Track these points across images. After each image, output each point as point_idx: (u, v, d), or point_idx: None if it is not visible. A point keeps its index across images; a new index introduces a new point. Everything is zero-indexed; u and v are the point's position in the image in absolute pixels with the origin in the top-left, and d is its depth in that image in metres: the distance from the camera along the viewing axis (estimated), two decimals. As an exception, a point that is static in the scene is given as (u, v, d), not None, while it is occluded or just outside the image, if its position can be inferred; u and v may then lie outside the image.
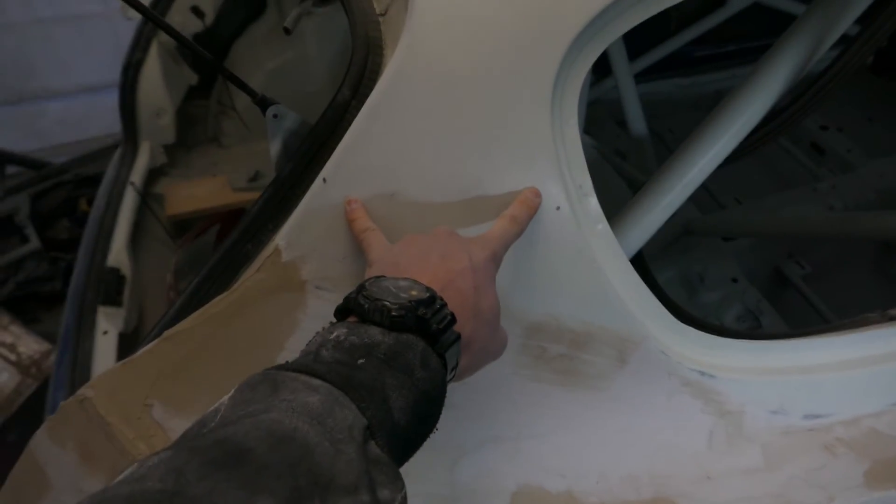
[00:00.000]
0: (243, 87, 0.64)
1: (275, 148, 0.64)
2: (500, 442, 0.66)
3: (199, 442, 0.34)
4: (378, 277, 0.47)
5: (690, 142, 0.82)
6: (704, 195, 1.50)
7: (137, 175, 1.57)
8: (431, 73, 0.57)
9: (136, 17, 1.47)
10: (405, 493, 0.38)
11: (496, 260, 0.54)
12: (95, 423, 0.57)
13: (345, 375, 0.40)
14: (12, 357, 1.83)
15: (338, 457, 0.35)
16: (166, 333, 0.59)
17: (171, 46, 1.58)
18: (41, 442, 0.61)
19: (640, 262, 0.99)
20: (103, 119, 2.52)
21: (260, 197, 0.62)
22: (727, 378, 0.67)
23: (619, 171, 1.31)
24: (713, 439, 0.68)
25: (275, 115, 0.63)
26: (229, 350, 0.59)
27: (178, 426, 0.58)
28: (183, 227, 1.62)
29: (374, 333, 0.43)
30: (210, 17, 1.60)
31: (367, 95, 0.59)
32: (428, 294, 0.45)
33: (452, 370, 0.47)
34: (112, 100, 1.62)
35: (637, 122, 1.39)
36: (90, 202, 1.80)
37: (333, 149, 0.59)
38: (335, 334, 0.43)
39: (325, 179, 0.58)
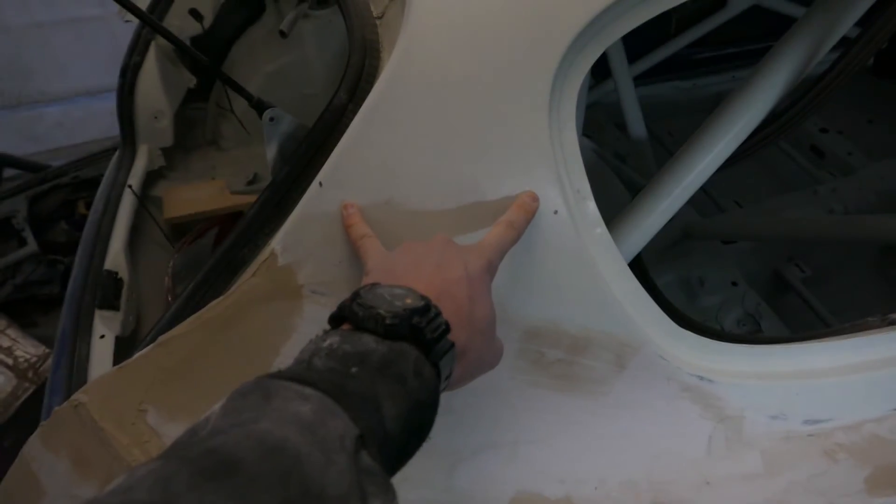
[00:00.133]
0: (240, 90, 0.64)
1: (271, 151, 0.63)
2: (498, 447, 0.65)
3: (189, 452, 0.33)
4: (373, 285, 0.47)
5: (690, 145, 0.81)
6: (704, 198, 1.49)
7: (135, 178, 1.56)
8: (428, 77, 0.57)
9: (134, 20, 1.47)
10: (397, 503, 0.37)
11: (492, 268, 0.54)
12: (89, 428, 0.57)
13: (337, 384, 0.39)
14: (9, 361, 1.83)
15: (329, 467, 0.34)
16: (161, 338, 0.58)
17: (170, 49, 1.57)
18: (35, 448, 0.60)
19: (639, 266, 0.98)
20: (101, 122, 2.53)
21: (256, 201, 0.62)
22: (726, 383, 0.67)
23: (619, 174, 1.31)
24: (712, 445, 0.68)
25: (271, 119, 0.62)
26: (224, 355, 0.59)
27: (172, 432, 0.58)
28: (181, 230, 1.61)
29: (368, 342, 0.43)
30: (209, 20, 1.60)
31: (363, 99, 0.59)
32: (423, 302, 0.45)
33: (446, 379, 0.47)
34: (110, 103, 1.61)
35: (636, 124, 1.39)
36: (88, 205, 1.80)
37: (330, 152, 0.59)
38: (328, 342, 0.42)
39: (321, 183, 0.58)
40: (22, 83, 2.78)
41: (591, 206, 0.62)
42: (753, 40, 1.80)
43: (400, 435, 0.41)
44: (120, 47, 1.58)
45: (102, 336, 1.25)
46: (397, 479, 0.42)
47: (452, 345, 0.46)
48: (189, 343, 0.58)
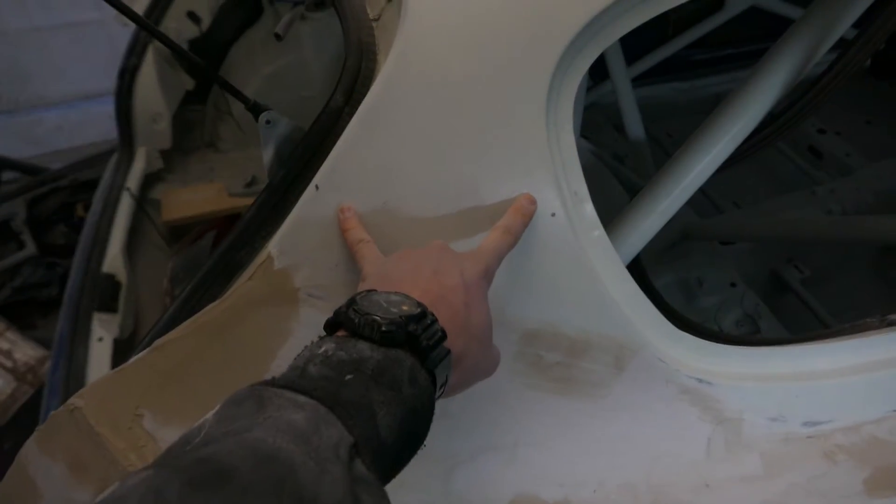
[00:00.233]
0: (236, 93, 0.64)
1: (267, 154, 0.63)
2: (496, 450, 0.65)
3: (181, 461, 0.33)
4: (369, 291, 0.47)
5: (688, 146, 0.81)
6: (702, 199, 1.49)
7: (133, 180, 1.56)
8: (425, 79, 0.57)
9: (132, 23, 1.47)
10: None
11: (489, 275, 0.53)
12: (85, 433, 0.57)
13: (331, 392, 0.39)
14: (8, 363, 1.82)
15: (322, 476, 0.34)
16: (157, 342, 0.58)
17: (168, 52, 1.57)
18: (31, 452, 0.60)
19: (638, 268, 0.98)
20: (100, 126, 2.52)
21: (253, 203, 0.62)
22: (725, 385, 0.67)
23: (617, 176, 1.31)
24: (711, 447, 0.67)
25: (267, 121, 0.62)
26: (221, 359, 0.59)
27: (169, 436, 0.58)
28: (179, 232, 1.61)
29: (363, 349, 0.42)
30: (206, 23, 1.60)
31: (360, 101, 0.59)
32: (419, 309, 0.45)
33: (441, 387, 0.46)
34: (108, 107, 1.61)
35: (635, 126, 1.39)
36: (87, 207, 1.80)
37: (326, 155, 0.58)
38: (323, 349, 0.42)
39: (317, 186, 0.57)
40: (20, 87, 2.78)
41: (589, 208, 0.62)
42: (751, 41, 1.80)
43: (394, 443, 0.41)
44: (118, 51, 1.58)
45: (100, 339, 1.26)
46: (393, 484, 0.42)
47: (448, 352, 0.46)
48: (185, 347, 0.58)
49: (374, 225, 0.57)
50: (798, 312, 1.23)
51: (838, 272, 1.34)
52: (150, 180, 1.63)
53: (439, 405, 0.50)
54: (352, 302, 0.45)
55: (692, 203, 1.33)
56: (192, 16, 1.55)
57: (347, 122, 0.58)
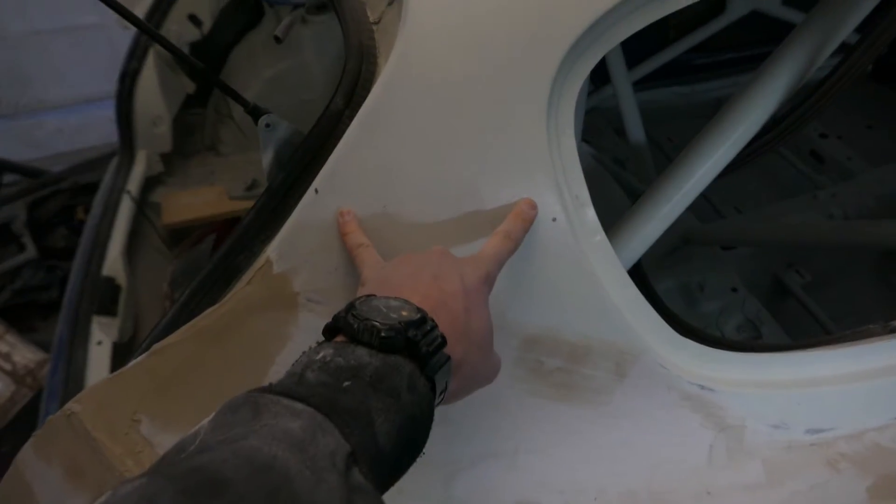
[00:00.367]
0: (235, 96, 0.63)
1: (267, 158, 0.63)
2: (496, 457, 0.65)
3: (175, 469, 0.33)
4: (369, 296, 0.46)
5: (689, 151, 0.81)
6: (704, 204, 1.49)
7: (134, 184, 1.56)
8: (425, 82, 0.57)
9: (133, 27, 1.47)
10: None
11: (489, 281, 0.53)
12: (82, 438, 0.56)
13: (329, 399, 0.38)
14: (7, 366, 1.82)
15: (318, 486, 0.34)
16: (155, 347, 0.58)
17: (169, 55, 1.57)
18: (27, 457, 0.59)
19: (639, 273, 0.98)
20: (100, 129, 2.52)
21: (252, 207, 0.61)
22: (727, 392, 0.66)
23: (618, 180, 1.30)
24: (713, 454, 0.67)
25: (267, 125, 0.62)
26: (219, 364, 0.58)
27: (166, 442, 0.57)
28: (179, 236, 1.61)
29: (362, 355, 0.42)
30: (207, 26, 1.60)
31: (360, 104, 0.58)
32: (419, 315, 0.44)
33: (441, 394, 0.46)
34: (109, 110, 1.62)
35: (635, 130, 1.38)
36: (87, 210, 1.80)
37: (326, 159, 0.58)
38: (321, 355, 0.42)
39: (316, 190, 0.57)
40: (21, 91, 2.78)
41: (590, 212, 0.61)
42: (752, 46, 1.80)
43: (392, 451, 0.40)
44: (118, 54, 1.58)
45: (99, 342, 1.25)
46: (392, 492, 0.42)
47: (448, 358, 0.46)
48: (183, 351, 0.58)
49: (374, 229, 0.57)
50: (799, 317, 1.22)
51: (840, 277, 1.33)
52: (150, 183, 1.63)
53: (439, 411, 0.49)
54: (351, 307, 0.45)
55: (693, 208, 1.33)
56: (194, 19, 1.55)
57: (348, 125, 0.58)
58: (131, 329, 1.33)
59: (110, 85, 1.58)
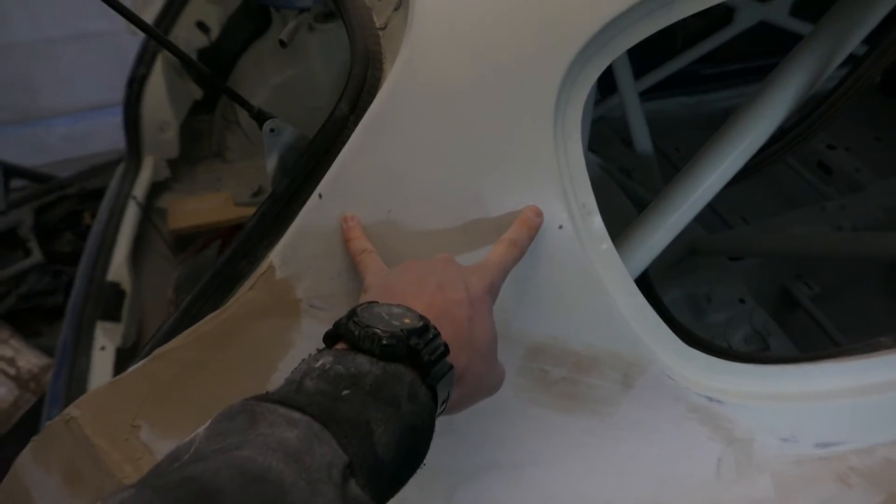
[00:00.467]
0: (240, 100, 0.63)
1: (271, 163, 0.62)
2: (500, 469, 0.64)
3: (165, 480, 0.32)
4: (371, 303, 0.45)
5: (697, 160, 0.80)
6: (711, 215, 1.48)
7: (140, 189, 1.56)
8: (431, 88, 0.56)
9: (141, 33, 1.47)
10: None
11: (494, 289, 0.52)
12: (81, 444, 0.56)
13: (327, 408, 0.38)
14: (11, 371, 1.82)
15: (314, 498, 0.33)
16: (156, 352, 0.57)
17: (176, 62, 1.58)
18: (26, 462, 0.59)
19: (646, 283, 0.97)
20: (109, 136, 2.53)
21: (255, 212, 0.61)
22: (736, 404, 0.65)
23: (625, 189, 1.30)
24: (722, 468, 0.66)
25: (271, 130, 0.61)
26: (220, 370, 0.58)
27: (165, 448, 0.56)
28: (185, 241, 1.61)
29: (362, 363, 0.41)
30: (215, 33, 1.60)
31: (365, 110, 0.58)
32: (421, 323, 0.44)
33: (443, 403, 0.45)
34: (117, 118, 1.62)
35: (643, 140, 1.38)
36: (94, 216, 1.80)
37: (331, 164, 0.58)
38: (321, 362, 0.41)
39: (320, 195, 0.57)
40: (30, 98, 2.80)
41: (597, 220, 0.60)
42: (760, 56, 1.80)
43: (392, 462, 0.39)
44: (127, 62, 1.59)
45: (103, 347, 1.25)
46: (393, 503, 0.41)
47: (451, 368, 0.45)
48: (185, 357, 0.57)
49: (378, 235, 0.56)
50: (808, 329, 1.21)
51: (848, 289, 1.32)
52: (156, 189, 1.64)
53: (442, 421, 0.49)
54: (352, 314, 0.44)
55: (700, 218, 1.32)
56: (202, 26, 1.56)
57: (353, 130, 0.58)
58: (135, 335, 1.33)
59: (118, 92, 1.59)
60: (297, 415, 0.37)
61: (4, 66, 2.71)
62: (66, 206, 2.24)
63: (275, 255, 0.57)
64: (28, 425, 1.73)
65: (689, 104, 1.83)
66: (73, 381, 1.16)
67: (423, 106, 0.56)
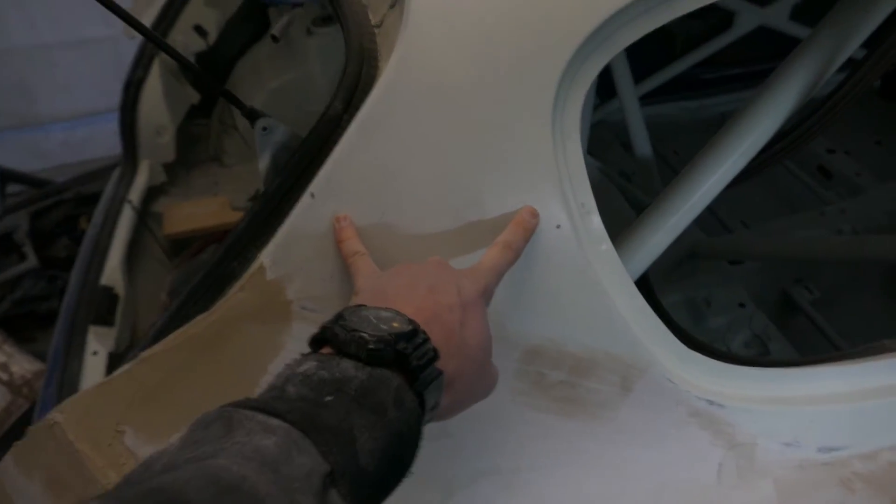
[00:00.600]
0: (233, 99, 0.62)
1: (264, 162, 0.61)
2: (496, 474, 0.62)
3: (132, 491, 0.30)
4: (359, 306, 0.44)
5: (696, 162, 0.80)
6: (711, 218, 1.47)
7: (136, 193, 1.55)
8: (426, 86, 0.55)
9: (139, 37, 1.47)
10: None
11: (487, 293, 0.51)
12: (64, 449, 0.54)
13: (308, 415, 0.36)
14: (4, 376, 1.80)
15: None
16: (143, 355, 0.56)
17: (174, 65, 1.57)
18: (8, 468, 0.57)
19: (646, 286, 0.96)
20: (106, 142, 2.53)
21: (247, 212, 0.60)
22: (737, 408, 0.64)
23: (624, 193, 1.29)
24: (723, 473, 0.64)
25: (264, 128, 0.60)
26: (208, 373, 0.56)
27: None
28: (181, 246, 1.60)
29: (347, 368, 0.40)
30: (213, 37, 1.60)
31: (360, 108, 0.57)
32: (410, 327, 0.42)
33: (432, 410, 0.44)
34: (115, 123, 1.61)
35: (642, 144, 1.38)
36: (90, 221, 1.79)
37: (324, 163, 0.56)
38: (304, 367, 0.40)
39: (313, 195, 0.55)
40: (27, 103, 2.80)
41: (596, 220, 0.59)
42: (760, 61, 1.79)
43: (376, 470, 0.38)
44: (125, 68, 1.58)
45: (95, 352, 1.23)
46: (387, 510, 0.39)
47: (440, 373, 0.43)
48: (172, 360, 0.56)
49: (372, 237, 0.55)
50: (808, 334, 1.20)
51: (848, 293, 1.31)
52: (152, 193, 1.63)
53: (436, 425, 0.47)
54: (339, 317, 0.43)
55: (700, 221, 1.31)
56: (199, 30, 1.55)
57: (347, 129, 0.57)
58: (128, 339, 1.32)
59: (116, 98, 1.58)
60: (275, 422, 0.35)
61: (1, 71, 2.70)
62: (62, 211, 2.23)
63: (265, 256, 0.56)
64: (20, 432, 1.71)
65: (688, 108, 1.82)
66: (65, 387, 1.15)
67: (418, 104, 0.55)
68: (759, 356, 1.11)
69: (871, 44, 0.77)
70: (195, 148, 1.81)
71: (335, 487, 0.35)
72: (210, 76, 1.50)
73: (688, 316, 1.18)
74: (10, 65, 2.71)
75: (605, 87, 1.53)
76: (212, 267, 0.60)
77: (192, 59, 1.55)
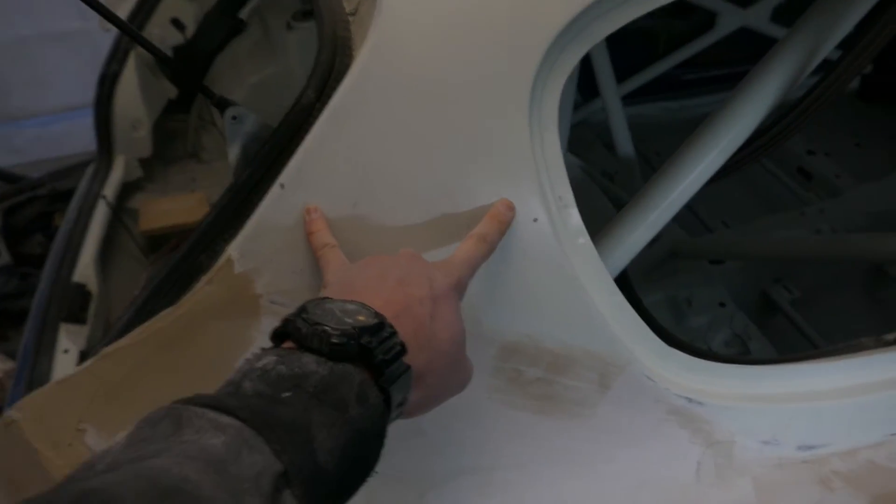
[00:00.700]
0: (202, 88, 0.60)
1: (233, 152, 0.60)
2: (472, 473, 0.61)
3: (61, 494, 0.28)
4: (323, 299, 0.42)
5: (676, 158, 0.79)
6: (691, 218, 1.48)
7: (111, 189, 1.52)
8: (400, 74, 0.54)
9: (115, 29, 1.43)
10: None
11: (460, 286, 0.50)
12: (21, 449, 0.52)
13: (262, 412, 0.34)
14: (-26, 377, 1.75)
15: None
16: (104, 350, 0.54)
17: (150, 59, 1.54)
18: (-36, 469, 0.55)
19: (626, 283, 0.95)
20: (84, 137, 2.48)
21: (216, 204, 0.58)
22: (716, 405, 0.63)
23: (606, 193, 1.29)
24: (701, 471, 0.64)
25: (233, 117, 0.59)
26: (174, 370, 0.54)
27: (114, 453, 0.53)
28: (158, 243, 1.57)
29: (308, 363, 0.38)
30: (191, 31, 1.57)
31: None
32: (376, 320, 0.41)
33: (399, 406, 0.42)
34: (91, 119, 1.58)
35: (624, 143, 1.38)
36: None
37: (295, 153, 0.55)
38: (263, 362, 0.38)
39: (282, 185, 0.54)
40: (2, 98, 2.74)
41: (574, 214, 0.58)
42: (741, 62, 1.80)
43: (336, 469, 0.36)
44: (102, 62, 1.55)
45: (66, 350, 1.20)
46: (359, 510, 0.38)
47: (408, 368, 0.42)
48: (136, 355, 0.54)
49: (343, 229, 0.54)
50: (787, 333, 1.21)
51: (828, 293, 1.32)
52: (128, 189, 1.59)
53: (409, 423, 0.46)
54: (302, 310, 0.41)
55: (681, 221, 1.31)
56: (177, 23, 1.53)
57: (319, 119, 0.55)
58: (101, 337, 1.28)
59: (94, 93, 1.55)
60: (226, 419, 0.33)
61: (-25, 65, 2.65)
62: (36, 207, 2.18)
63: (233, 248, 0.54)
64: (-8, 433, 1.67)
65: (670, 109, 1.83)
66: (34, 386, 1.11)
67: (391, 93, 0.54)
68: (737, 355, 1.11)
69: (845, 45, 0.77)
70: (173, 144, 1.78)
71: (290, 488, 0.33)
72: (184, 68, 1.47)
73: (669, 315, 1.17)
74: (-16, 58, 2.66)
75: (587, 86, 1.53)
76: (179, 260, 0.58)
77: (169, 53, 1.53)
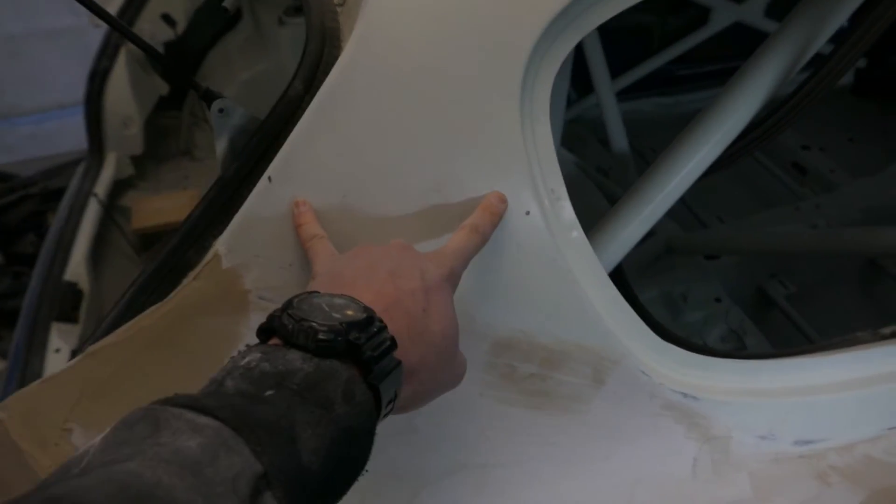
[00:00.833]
0: (188, 80, 0.59)
1: (221, 145, 0.59)
2: (465, 471, 0.60)
3: (34, 498, 0.27)
4: (310, 293, 0.41)
5: (670, 152, 0.79)
6: (687, 214, 1.47)
7: (102, 187, 1.51)
8: (388, 65, 0.53)
9: (105, 25, 1.42)
10: None
11: (453, 277, 0.49)
12: (6, 449, 0.51)
13: (242, 412, 0.33)
14: (-35, 377, 1.74)
15: None
16: (91, 348, 0.53)
17: (141, 55, 1.53)
18: (-53, 470, 0.54)
19: (621, 278, 0.95)
20: (76, 135, 2.46)
21: (203, 198, 0.57)
22: (712, 400, 0.63)
23: (601, 189, 1.28)
24: (698, 467, 0.63)
25: (220, 110, 0.58)
26: (161, 367, 0.53)
27: (100, 453, 0.52)
28: (150, 241, 1.55)
29: (293, 359, 0.37)
30: (181, 26, 1.56)
31: (321, 89, 0.54)
32: (365, 315, 0.40)
33: (390, 403, 0.41)
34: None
35: (619, 139, 1.37)
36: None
37: (283, 146, 0.54)
38: (247, 360, 0.37)
39: (270, 178, 0.53)
40: (-5, 96, 2.72)
41: (567, 207, 0.57)
42: (736, 58, 1.79)
43: (321, 470, 0.35)
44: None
45: (58, 350, 1.19)
46: (351, 507, 0.37)
47: (398, 364, 0.41)
48: (123, 353, 0.53)
49: (332, 221, 0.53)
50: (783, 328, 1.20)
51: (824, 288, 1.32)
52: (120, 187, 1.58)
53: (402, 419, 0.45)
54: (288, 305, 0.40)
55: (676, 217, 1.31)
56: (167, 18, 1.51)
57: (307, 111, 0.54)
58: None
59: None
60: (204, 420, 0.32)
61: (-34, 63, 2.63)
62: (28, 206, 2.17)
63: (221, 243, 0.53)
64: (-15, 435, 1.66)
65: (665, 105, 1.83)
66: (25, 385, 1.10)
67: (380, 83, 0.53)
68: (732, 350, 1.11)
69: (836, 39, 0.77)
70: (165, 141, 1.77)
71: (271, 490, 0.32)
72: (174, 64, 1.46)
73: (665, 311, 1.17)
74: (-26, 57, 2.63)
75: (582, 82, 1.53)
76: (166, 256, 0.57)
77: (160, 49, 1.51)
